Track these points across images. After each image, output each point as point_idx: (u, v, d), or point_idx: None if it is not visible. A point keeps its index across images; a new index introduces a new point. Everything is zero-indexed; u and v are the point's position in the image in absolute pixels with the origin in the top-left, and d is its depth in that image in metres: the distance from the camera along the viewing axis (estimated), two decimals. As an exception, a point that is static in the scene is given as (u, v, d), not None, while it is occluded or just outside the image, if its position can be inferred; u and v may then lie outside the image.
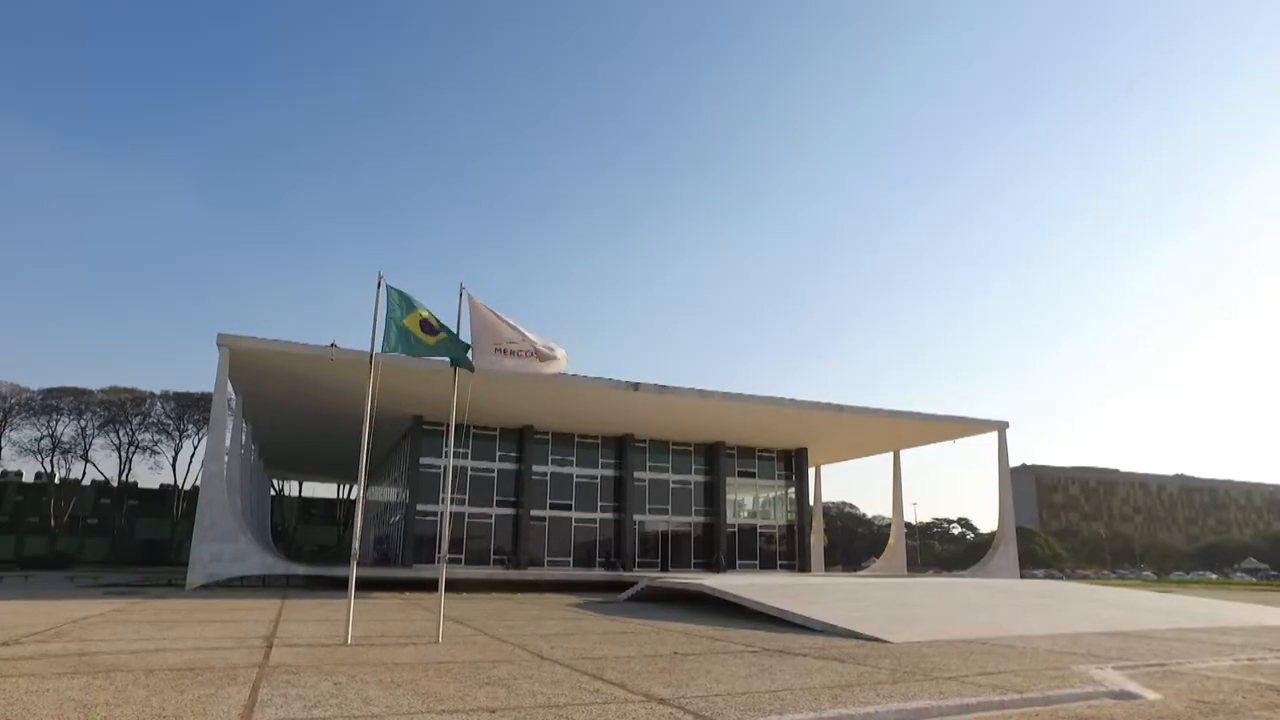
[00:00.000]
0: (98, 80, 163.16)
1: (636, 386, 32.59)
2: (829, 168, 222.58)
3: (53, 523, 68.42)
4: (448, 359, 12.41)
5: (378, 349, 12.00)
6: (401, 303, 12.10)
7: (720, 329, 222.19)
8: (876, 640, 11.78)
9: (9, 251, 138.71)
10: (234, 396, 35.01)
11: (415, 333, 12.15)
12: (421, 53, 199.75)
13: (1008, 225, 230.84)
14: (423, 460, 36.67)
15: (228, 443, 28.53)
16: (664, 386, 33.11)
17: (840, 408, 37.08)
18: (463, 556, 36.54)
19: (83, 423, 70.36)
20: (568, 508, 39.42)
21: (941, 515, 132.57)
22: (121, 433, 72.04)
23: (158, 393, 72.29)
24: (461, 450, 37.91)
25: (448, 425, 12.67)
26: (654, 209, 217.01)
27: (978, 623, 14.27)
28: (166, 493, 77.28)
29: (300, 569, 28.44)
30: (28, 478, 78.11)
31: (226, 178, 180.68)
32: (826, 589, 19.44)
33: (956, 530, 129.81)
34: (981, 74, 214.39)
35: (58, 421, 69.64)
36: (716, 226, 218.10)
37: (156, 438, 73.10)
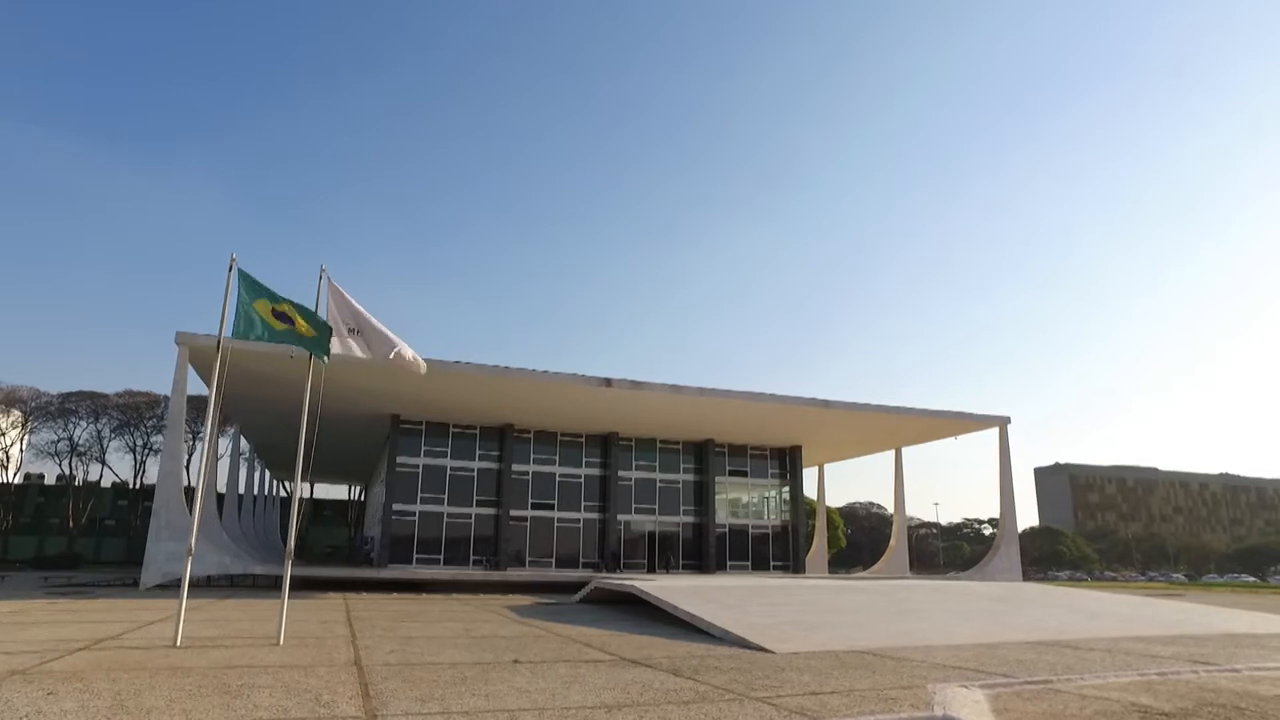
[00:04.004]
0: (129, 93, 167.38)
1: (609, 382, 31.64)
2: (856, 169, 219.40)
3: (70, 524, 69.62)
4: (306, 350, 11.85)
5: (228, 334, 11.43)
6: (253, 288, 11.45)
7: (745, 332, 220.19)
8: (761, 649, 10.75)
9: (29, 256, 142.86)
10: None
11: (267, 319, 11.50)
12: (445, 59, 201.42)
13: (1043, 219, 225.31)
14: (400, 459, 36.16)
15: (186, 442, 28.17)
16: (637, 382, 32.11)
17: (827, 403, 35.69)
18: (441, 557, 35.94)
19: (99, 426, 71.48)
20: (550, 507, 38.56)
21: (973, 515, 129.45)
22: (136, 435, 73.11)
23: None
24: (441, 449, 37.34)
25: (304, 414, 11.91)
26: (677, 212, 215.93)
27: (898, 630, 13.09)
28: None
29: (258, 568, 28.05)
30: (49, 480, 79.81)
31: (251, 185, 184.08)
32: (766, 592, 18.34)
33: (988, 531, 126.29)
34: (992, 77, 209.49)
35: (75, 425, 70.85)
36: (742, 228, 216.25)
37: (169, 440, 74.08)
